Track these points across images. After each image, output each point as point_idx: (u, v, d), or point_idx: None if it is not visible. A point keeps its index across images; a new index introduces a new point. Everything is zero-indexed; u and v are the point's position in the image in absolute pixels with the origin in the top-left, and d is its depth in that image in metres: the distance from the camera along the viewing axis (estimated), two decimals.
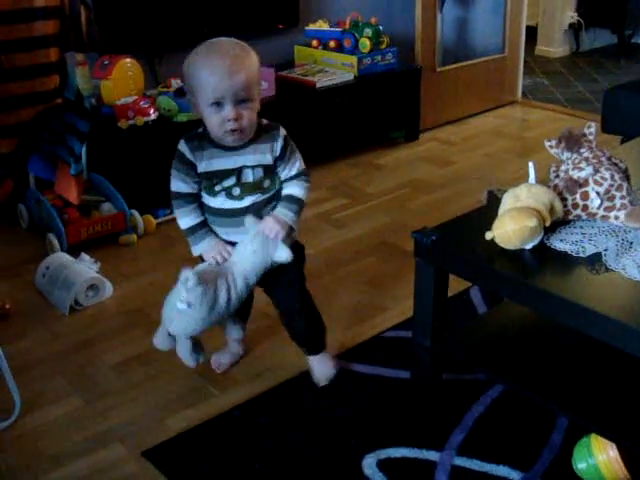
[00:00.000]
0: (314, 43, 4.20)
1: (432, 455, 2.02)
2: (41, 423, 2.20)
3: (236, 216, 2.09)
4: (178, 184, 2.07)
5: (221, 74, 1.91)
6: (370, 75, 4.09)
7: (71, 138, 3.02)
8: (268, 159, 2.07)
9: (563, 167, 2.08)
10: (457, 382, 2.27)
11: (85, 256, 2.95)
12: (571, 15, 6.59)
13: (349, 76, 4.03)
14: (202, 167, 2.04)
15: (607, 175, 1.97)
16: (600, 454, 1.86)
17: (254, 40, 3.14)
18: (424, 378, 2.17)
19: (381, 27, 4.11)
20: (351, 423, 2.15)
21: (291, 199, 2.10)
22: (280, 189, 2.13)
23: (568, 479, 1.91)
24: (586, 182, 1.97)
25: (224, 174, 2.05)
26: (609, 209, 1.96)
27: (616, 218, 1.96)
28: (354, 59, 4.04)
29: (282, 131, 2.09)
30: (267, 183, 2.09)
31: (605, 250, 1.86)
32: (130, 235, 3.21)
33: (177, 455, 2.04)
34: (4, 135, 3.04)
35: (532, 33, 6.39)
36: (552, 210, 1.89)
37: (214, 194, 2.07)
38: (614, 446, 1.84)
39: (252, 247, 2.04)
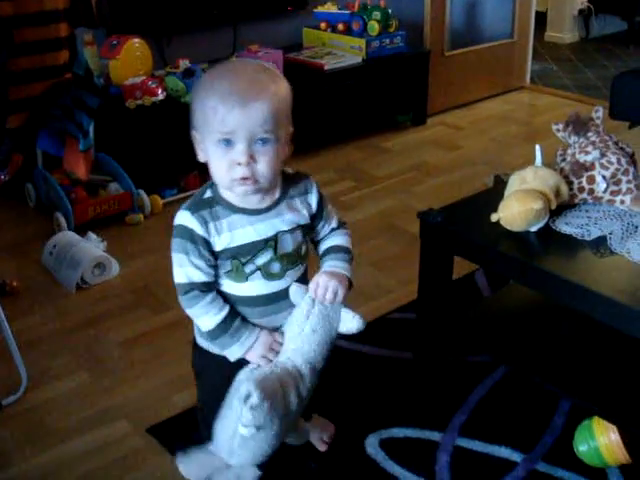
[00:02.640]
0: (322, 26, 4.19)
1: (434, 436, 2.03)
2: (48, 398, 2.22)
3: (279, 300, 1.60)
4: (189, 272, 1.53)
5: (232, 101, 1.41)
6: (378, 58, 4.08)
7: (80, 113, 3.02)
8: (305, 217, 1.60)
9: (570, 151, 2.08)
10: (461, 364, 2.28)
11: (92, 235, 2.96)
12: (581, 1, 6.56)
13: (357, 59, 4.02)
14: (222, 244, 1.52)
15: (614, 159, 1.97)
16: (602, 437, 1.87)
17: (263, 22, 3.15)
18: (428, 360, 2.19)
19: (390, 10, 4.10)
20: (355, 403, 2.17)
21: (338, 249, 1.65)
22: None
23: (569, 461, 1.92)
24: (592, 166, 1.97)
25: (255, 248, 1.54)
26: (615, 193, 1.97)
27: (622, 202, 1.97)
28: (362, 42, 4.02)
29: (312, 180, 1.65)
30: (304, 249, 1.62)
31: (610, 234, 1.87)
32: (137, 215, 3.22)
33: (182, 431, 2.06)
34: (14, 110, 3.04)
35: (541, 19, 6.37)
36: (558, 193, 1.90)
37: (244, 277, 1.55)
38: (615, 429, 1.85)
39: (310, 326, 1.55)
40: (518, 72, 5.17)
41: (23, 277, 2.82)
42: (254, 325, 1.59)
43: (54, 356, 2.41)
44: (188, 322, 1.53)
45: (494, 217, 1.84)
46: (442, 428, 2.05)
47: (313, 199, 1.62)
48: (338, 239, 1.67)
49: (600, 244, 1.84)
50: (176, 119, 3.31)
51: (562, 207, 1.94)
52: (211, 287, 1.56)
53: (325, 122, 3.96)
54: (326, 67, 3.89)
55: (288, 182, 1.59)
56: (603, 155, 1.98)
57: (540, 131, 4.26)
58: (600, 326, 1.75)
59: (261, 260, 1.54)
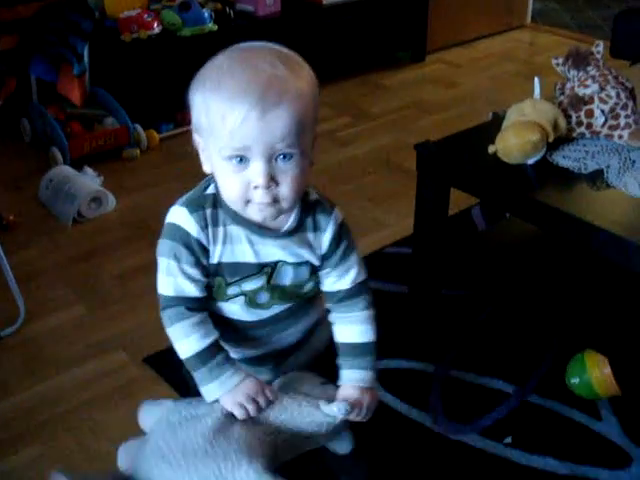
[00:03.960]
0: None
1: (428, 367, 2.05)
2: (45, 330, 2.24)
3: (254, 330, 1.38)
4: (179, 283, 1.28)
5: (247, 109, 1.11)
6: None
7: (74, 38, 2.98)
8: (317, 256, 1.33)
9: (569, 84, 2.07)
10: (455, 298, 2.29)
11: (88, 169, 2.95)
12: None
13: None
14: (217, 255, 1.27)
15: (613, 93, 1.96)
16: (593, 370, 1.89)
17: None
18: (423, 293, 2.20)
19: None
20: None
21: (364, 348, 1.37)
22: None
23: (560, 393, 1.95)
24: (591, 100, 1.96)
25: (247, 271, 1.29)
26: (613, 127, 1.96)
27: (620, 137, 1.96)
28: None
29: (338, 215, 1.33)
30: (309, 287, 1.37)
31: (607, 167, 1.86)
32: (133, 149, 3.21)
33: (178, 361, 2.07)
34: (4, 31, 2.99)
35: None
36: (556, 126, 1.89)
37: (224, 298, 1.32)
38: (607, 362, 1.88)
39: (315, 430, 1.32)
40: (519, 10, 5.09)
41: (20, 211, 2.82)
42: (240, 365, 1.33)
43: (51, 289, 2.42)
44: None
45: (491, 149, 1.83)
46: (436, 360, 2.07)
47: (326, 238, 1.31)
48: (362, 329, 1.37)
49: (597, 178, 1.84)
50: (172, 53, 3.30)
51: (560, 140, 1.93)
52: (201, 305, 1.30)
53: (323, 58, 3.90)
54: (324, 1, 3.83)
55: (307, 210, 1.30)
56: (602, 89, 1.96)
57: (540, 70, 4.17)
58: (595, 259, 1.76)
59: (249, 286, 1.30)
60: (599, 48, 2.10)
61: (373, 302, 1.39)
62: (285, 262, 1.29)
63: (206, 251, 1.26)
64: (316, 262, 1.33)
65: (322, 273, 1.35)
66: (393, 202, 2.88)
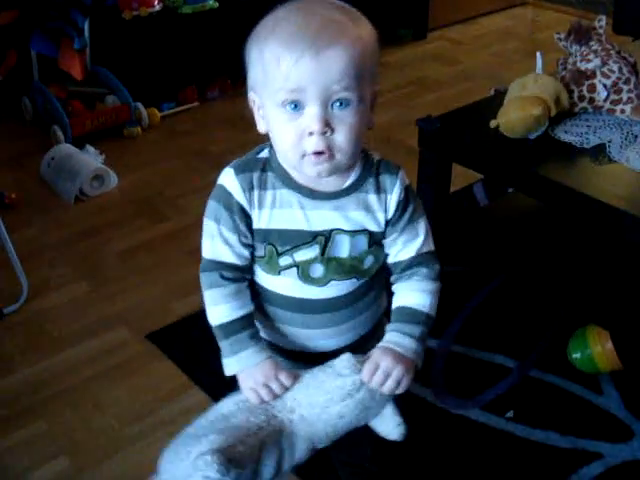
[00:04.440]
0: None
1: (430, 342, 2.05)
2: (48, 307, 2.25)
3: (313, 311, 1.25)
4: (217, 247, 1.22)
5: (301, 47, 1.04)
6: None
7: (74, 12, 2.96)
8: (379, 223, 1.20)
9: (571, 59, 2.06)
10: (457, 273, 2.29)
11: (90, 148, 2.95)
12: None
13: None
14: (261, 221, 1.19)
15: (615, 68, 1.95)
16: (595, 345, 1.90)
17: None
18: None
19: None
20: None
21: (415, 315, 1.23)
22: (382, 269, 1.27)
23: (562, 368, 1.96)
24: (593, 74, 1.96)
25: (299, 239, 1.18)
26: (615, 102, 1.96)
27: (622, 112, 1.96)
28: None
29: (403, 176, 1.21)
30: (370, 261, 1.23)
31: (609, 142, 1.86)
32: (134, 127, 3.20)
33: (180, 338, 2.09)
34: (4, 6, 2.96)
35: None
36: (558, 101, 1.89)
37: (276, 270, 1.22)
38: (609, 336, 1.88)
39: (340, 408, 1.16)
40: None
41: (22, 189, 2.82)
42: (267, 347, 1.24)
43: (54, 266, 2.43)
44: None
45: (493, 123, 1.83)
46: (438, 335, 2.08)
47: (392, 201, 1.18)
48: (419, 296, 1.24)
49: (599, 152, 1.84)
50: (173, 31, 3.28)
51: (562, 115, 1.93)
52: (240, 274, 1.23)
53: None
54: None
55: (369, 169, 1.19)
56: (604, 63, 1.96)
57: (542, 47, 4.14)
58: (597, 233, 1.77)
59: (302, 256, 1.19)
60: (601, 23, 2.09)
61: (440, 276, 1.26)
62: (341, 230, 1.18)
63: (247, 216, 1.18)
64: (377, 229, 1.20)
65: (387, 241, 1.22)
66: None
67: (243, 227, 1.19)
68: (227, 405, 1.19)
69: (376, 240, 1.21)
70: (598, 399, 1.88)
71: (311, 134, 1.07)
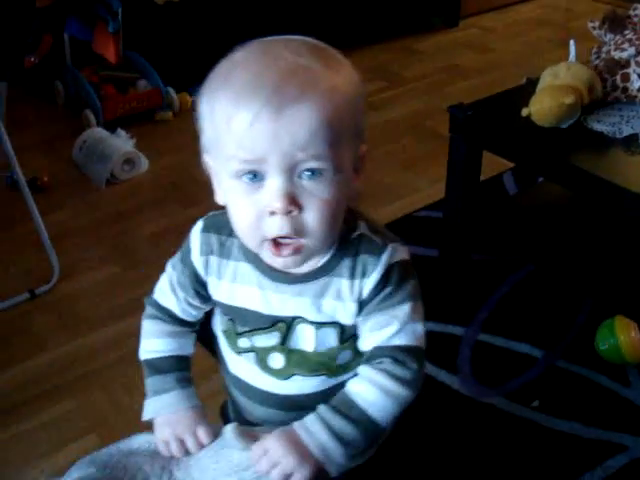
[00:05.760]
0: None
1: (457, 330, 2.06)
2: (79, 288, 2.28)
3: (275, 407, 1.07)
4: (164, 288, 1.12)
5: (257, 103, 0.83)
6: None
7: None
8: (350, 313, 0.98)
9: (605, 48, 2.04)
10: (486, 262, 2.29)
11: (121, 132, 2.97)
12: None
13: None
14: (221, 294, 1.04)
15: None
16: (622, 335, 1.89)
17: None
18: (453, 257, 2.21)
19: None
20: None
21: (349, 407, 0.97)
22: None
23: (589, 359, 1.95)
24: (627, 63, 1.94)
25: (256, 322, 1.01)
26: None
27: None
28: None
29: (391, 254, 0.98)
30: (346, 357, 1.02)
31: None
32: (166, 112, 3.22)
33: (209, 320, 2.10)
34: None
35: None
36: (591, 90, 1.87)
37: (236, 349, 1.06)
38: (637, 327, 1.87)
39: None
40: None
41: (54, 173, 2.84)
42: (191, 397, 1.09)
43: (85, 249, 2.45)
44: None
45: (525, 111, 1.82)
46: (465, 323, 2.08)
47: (368, 284, 0.96)
48: (368, 390, 0.97)
49: (631, 143, 1.82)
50: (205, 16, 3.29)
51: (594, 105, 1.91)
52: (185, 327, 1.12)
53: (355, 22, 3.89)
54: None
55: (346, 249, 0.97)
56: (639, 53, 1.94)
57: (576, 35, 4.12)
58: (627, 224, 1.75)
59: (260, 342, 1.02)
60: (637, 11, 2.07)
61: (414, 385, 1.00)
62: (304, 319, 0.98)
63: (200, 282, 1.04)
64: (350, 322, 0.98)
65: (360, 322, 1.00)
66: (425, 166, 2.87)
67: (192, 289, 1.06)
68: (142, 439, 1.09)
69: (351, 334, 1.00)
70: (625, 391, 1.87)
71: (273, 214, 0.87)
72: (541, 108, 1.79)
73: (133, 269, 2.35)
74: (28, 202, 2.26)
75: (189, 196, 2.61)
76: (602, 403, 1.84)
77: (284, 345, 1.00)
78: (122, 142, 2.89)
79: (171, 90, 3.25)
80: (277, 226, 0.87)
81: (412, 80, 3.66)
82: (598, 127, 1.86)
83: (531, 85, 2.00)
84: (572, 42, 1.95)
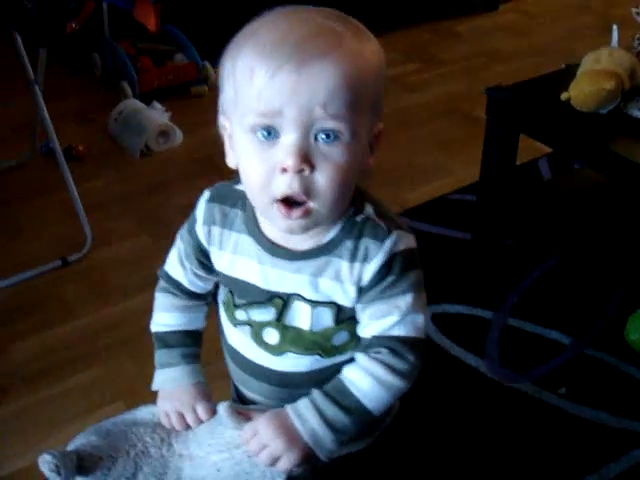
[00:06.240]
0: None
1: (487, 314, 2.05)
2: (111, 257, 2.30)
3: (268, 382, 1.06)
4: (173, 259, 1.12)
5: (280, 60, 0.82)
6: None
7: None
8: (349, 296, 0.96)
9: None
10: (518, 247, 2.27)
11: (157, 104, 2.98)
12: None
13: None
14: (223, 264, 1.02)
15: None
16: None
17: None
18: (485, 241, 2.19)
19: None
20: None
21: (343, 394, 0.96)
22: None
23: (618, 348, 1.93)
24: None
25: (253, 295, 1.00)
26: None
27: None
28: None
29: (395, 242, 0.95)
30: (342, 339, 1.01)
31: None
32: (201, 86, 3.22)
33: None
34: None
35: None
36: (633, 76, 1.85)
37: (233, 322, 1.06)
38: None
39: (217, 459, 1.01)
40: None
41: (89, 143, 2.86)
42: (196, 374, 1.11)
43: (117, 218, 2.47)
44: None
45: (564, 96, 1.80)
46: (494, 307, 2.07)
47: (369, 270, 0.94)
48: (363, 378, 0.95)
49: None
50: None
51: (635, 91, 1.89)
52: (195, 300, 1.13)
53: (394, 3, 3.86)
54: None
55: (349, 230, 0.94)
56: None
57: (618, 22, 4.09)
58: None
59: (256, 316, 1.01)
60: None
61: (410, 376, 0.97)
62: (300, 297, 0.97)
63: (203, 251, 1.04)
64: (347, 303, 0.97)
65: (359, 309, 0.98)
66: (459, 149, 2.85)
67: (195, 259, 1.06)
68: (147, 410, 1.12)
69: (348, 316, 0.98)
70: None
71: (284, 171, 0.84)
72: (581, 93, 1.77)
73: (164, 240, 2.33)
74: (63, 171, 2.28)
75: (222, 170, 2.59)
76: (630, 393, 1.83)
77: (279, 321, 0.99)
78: (157, 114, 2.90)
79: (207, 64, 3.25)
80: (287, 184, 0.84)
81: (449, 62, 3.64)
82: (638, 114, 1.84)
83: (571, 70, 1.97)
84: (615, 27, 1.93)
